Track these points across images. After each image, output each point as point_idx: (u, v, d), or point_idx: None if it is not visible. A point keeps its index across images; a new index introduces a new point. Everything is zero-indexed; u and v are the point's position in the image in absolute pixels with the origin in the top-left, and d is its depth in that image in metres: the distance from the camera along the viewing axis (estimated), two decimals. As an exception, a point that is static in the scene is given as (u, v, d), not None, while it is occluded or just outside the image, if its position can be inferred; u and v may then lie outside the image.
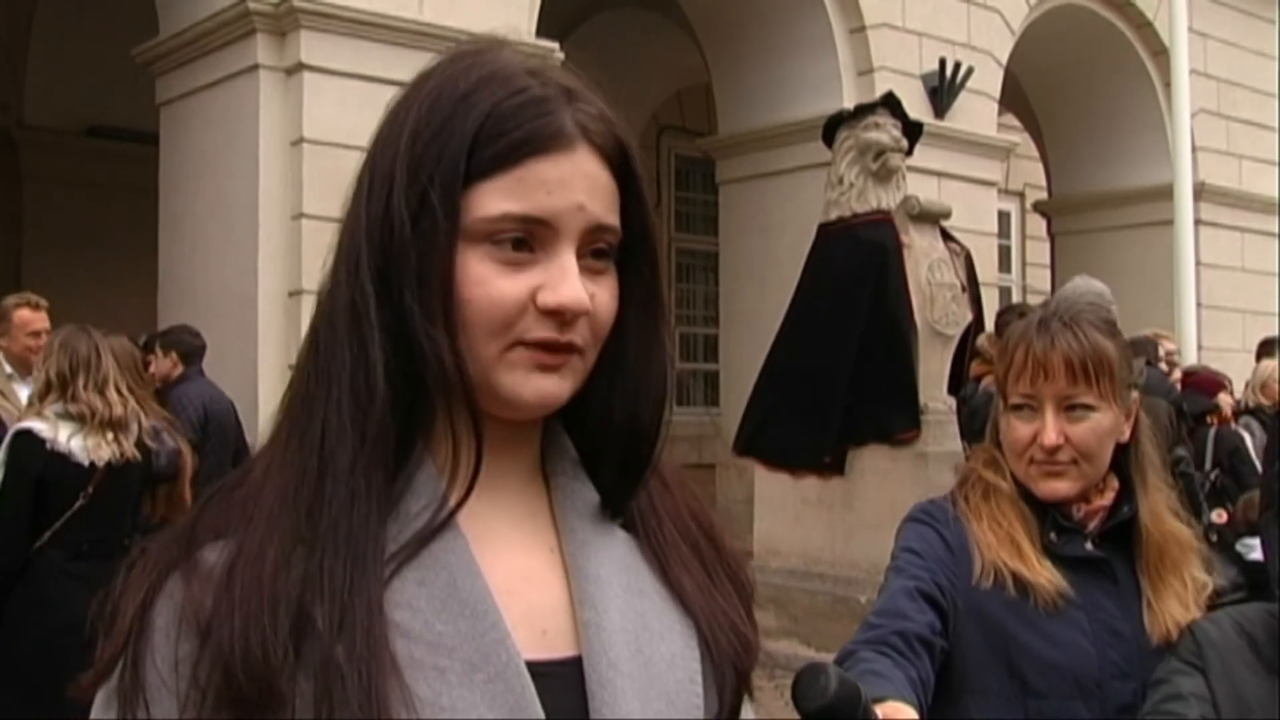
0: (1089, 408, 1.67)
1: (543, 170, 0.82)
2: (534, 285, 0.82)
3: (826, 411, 6.78)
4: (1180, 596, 1.69)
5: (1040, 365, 1.67)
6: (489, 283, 0.81)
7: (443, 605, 0.79)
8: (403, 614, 0.78)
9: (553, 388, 0.84)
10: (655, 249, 0.90)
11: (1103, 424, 1.68)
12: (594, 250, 0.84)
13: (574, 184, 0.82)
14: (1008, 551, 1.66)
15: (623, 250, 0.87)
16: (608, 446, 0.90)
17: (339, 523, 0.78)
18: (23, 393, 4.79)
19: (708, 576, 0.92)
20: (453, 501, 0.81)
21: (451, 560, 0.81)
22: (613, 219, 0.85)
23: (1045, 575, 1.64)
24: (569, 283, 0.82)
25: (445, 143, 0.81)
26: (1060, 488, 1.69)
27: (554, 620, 0.85)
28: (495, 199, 0.81)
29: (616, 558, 0.88)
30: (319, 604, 0.76)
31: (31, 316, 5.15)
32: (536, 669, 0.80)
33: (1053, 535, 1.69)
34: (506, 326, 0.82)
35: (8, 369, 5.04)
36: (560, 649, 0.84)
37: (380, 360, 0.80)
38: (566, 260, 0.82)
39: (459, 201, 0.81)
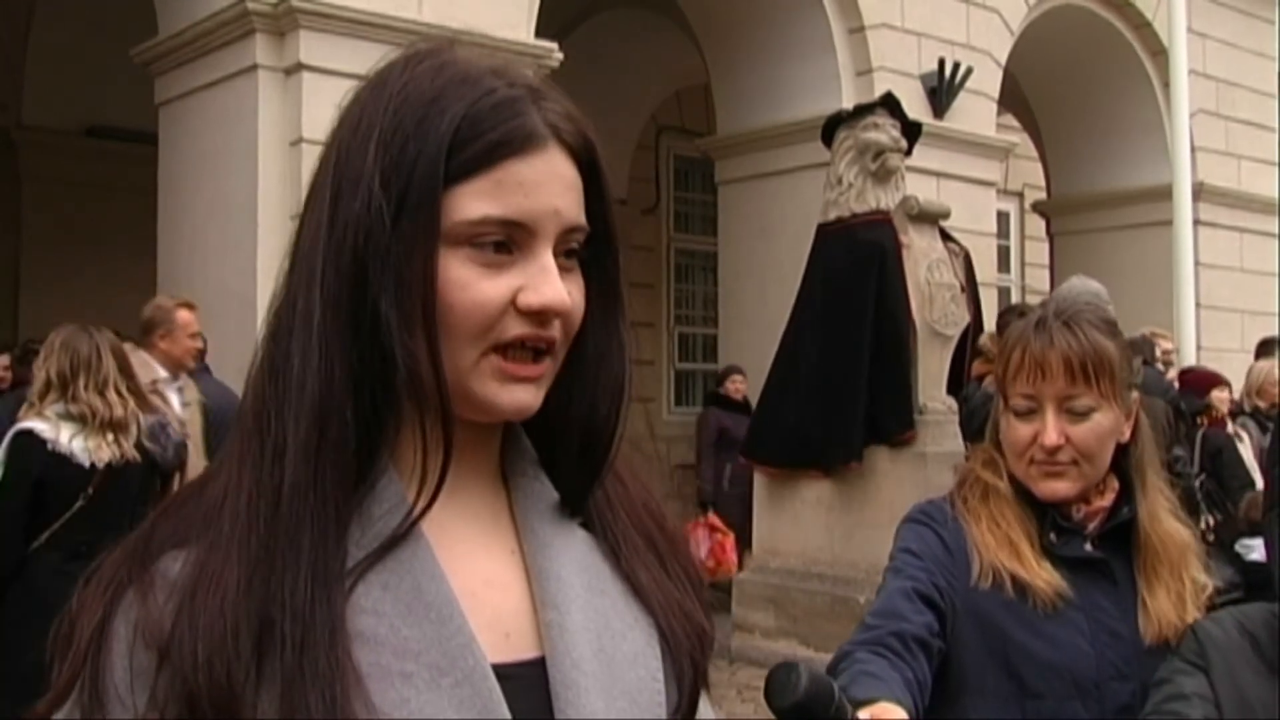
0: (1089, 408, 1.66)
1: (519, 171, 0.82)
2: (515, 286, 0.82)
3: (835, 413, 6.77)
4: (1176, 596, 1.68)
5: (1039, 365, 1.66)
6: (472, 286, 0.81)
7: (408, 609, 0.79)
8: (368, 620, 0.78)
9: (528, 397, 0.84)
10: (617, 246, 0.90)
11: (1103, 424, 1.68)
12: (565, 250, 0.85)
13: (549, 185, 0.83)
14: (1006, 553, 1.65)
15: (586, 246, 0.87)
16: (565, 444, 0.90)
17: (299, 538, 0.77)
18: (173, 396, 4.75)
19: (663, 569, 0.92)
20: (419, 508, 0.81)
21: (415, 565, 0.81)
22: (582, 219, 0.85)
23: (1043, 577, 1.64)
24: (551, 283, 0.82)
25: (421, 146, 0.81)
26: (1060, 488, 1.69)
27: (516, 622, 0.85)
28: (475, 202, 0.81)
29: (577, 557, 0.88)
30: (280, 621, 0.75)
31: (191, 318, 5.14)
32: (501, 672, 0.80)
33: (1052, 536, 1.69)
34: (487, 329, 0.82)
35: (162, 372, 4.97)
36: (523, 651, 0.84)
37: (343, 370, 0.80)
38: (546, 260, 0.83)
39: (439, 205, 0.81)
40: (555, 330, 0.84)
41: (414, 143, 0.81)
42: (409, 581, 0.80)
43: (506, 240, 0.82)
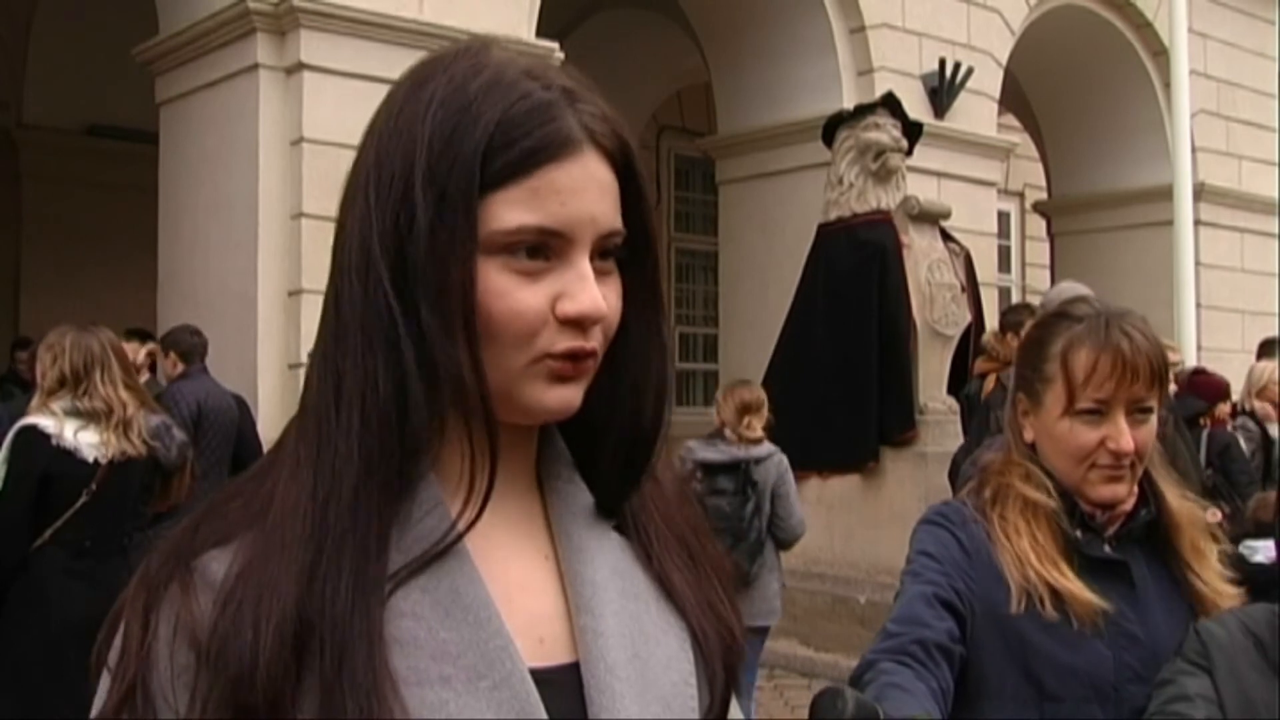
0: (1150, 410, 1.66)
1: (556, 178, 0.81)
2: (553, 294, 0.82)
3: (852, 414, 6.77)
4: (1213, 566, 1.71)
5: (1128, 368, 1.63)
6: (510, 294, 0.81)
7: (446, 613, 0.79)
8: (407, 623, 0.78)
9: (572, 395, 0.84)
10: (656, 247, 0.90)
11: (1155, 426, 1.68)
12: (601, 252, 0.84)
13: (586, 191, 0.82)
14: (1050, 570, 1.63)
15: (624, 248, 0.86)
16: (606, 448, 0.89)
17: (342, 544, 0.78)
18: None
19: (695, 571, 0.92)
20: (466, 519, 0.81)
21: (454, 568, 0.81)
22: (619, 222, 0.85)
23: (1085, 594, 1.62)
24: (588, 290, 0.82)
25: (456, 154, 0.80)
26: (1121, 491, 1.68)
27: (550, 628, 0.85)
28: (511, 210, 0.81)
29: (611, 562, 0.88)
30: (320, 627, 0.76)
31: None
32: (535, 676, 0.80)
33: (1078, 533, 1.68)
34: (531, 337, 0.81)
35: None
36: (557, 656, 0.84)
37: (391, 377, 0.80)
38: (583, 267, 0.82)
39: (475, 214, 0.80)
40: (596, 338, 0.84)
41: (449, 151, 0.81)
42: (447, 584, 0.80)
43: (542, 247, 0.82)
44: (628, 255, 0.87)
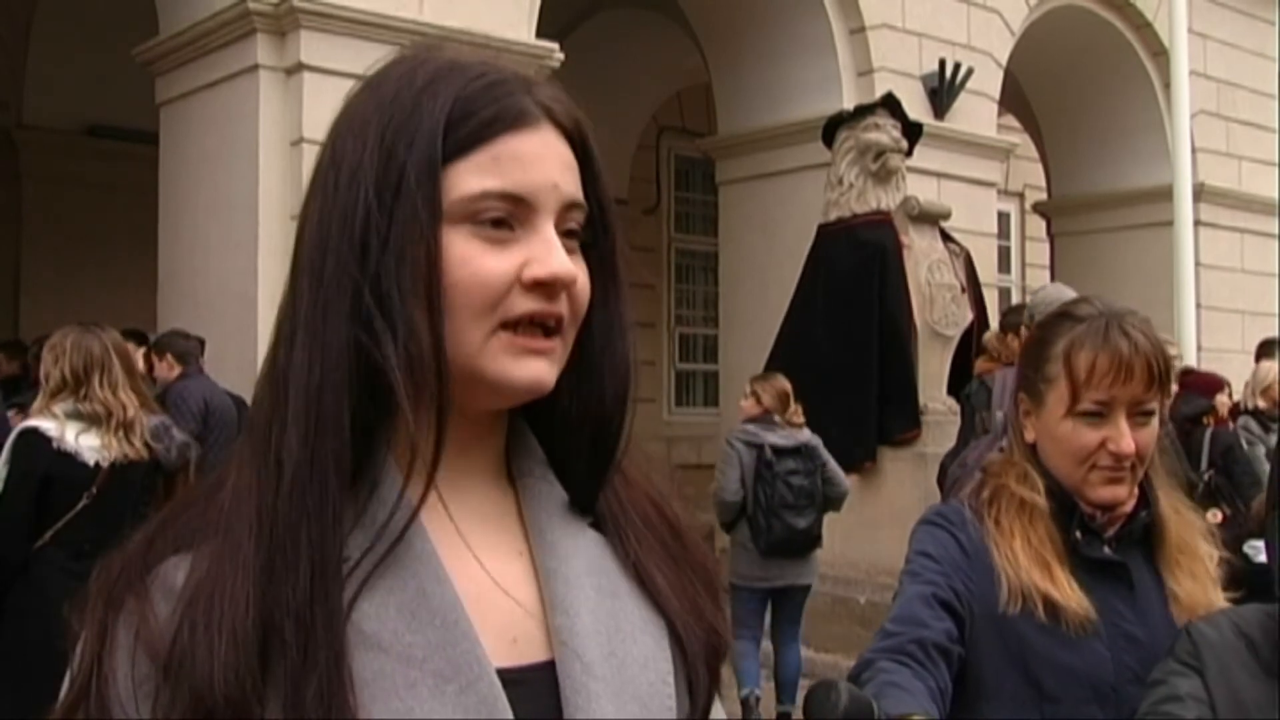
0: (1152, 412, 1.66)
1: (516, 145, 0.82)
2: (520, 261, 0.81)
3: (850, 415, 6.79)
4: (1199, 578, 1.70)
5: (1125, 369, 1.63)
6: (474, 261, 0.80)
7: (412, 615, 0.78)
8: (372, 625, 0.77)
9: (543, 371, 0.83)
10: (614, 229, 0.89)
11: (1156, 428, 1.68)
12: (566, 230, 0.84)
13: (547, 159, 0.83)
14: (1039, 573, 1.63)
15: (585, 231, 0.86)
16: (573, 440, 0.88)
17: (298, 542, 0.77)
18: None
19: (676, 571, 0.91)
20: (416, 499, 0.79)
21: (420, 569, 0.79)
22: (581, 195, 0.85)
23: (1075, 599, 1.62)
24: (555, 255, 0.82)
25: (416, 129, 0.81)
26: (1121, 493, 1.68)
27: (524, 627, 0.84)
28: (473, 177, 0.81)
29: (587, 559, 0.87)
30: (283, 627, 0.75)
31: None
32: (508, 677, 0.79)
33: (1078, 534, 1.68)
34: (493, 306, 0.81)
35: None
36: (531, 655, 0.83)
37: (339, 371, 0.79)
38: (548, 233, 0.82)
39: (438, 184, 0.80)
40: (563, 305, 0.83)
41: (409, 127, 0.81)
42: (414, 586, 0.79)
43: (507, 216, 0.82)
44: (587, 238, 0.87)
